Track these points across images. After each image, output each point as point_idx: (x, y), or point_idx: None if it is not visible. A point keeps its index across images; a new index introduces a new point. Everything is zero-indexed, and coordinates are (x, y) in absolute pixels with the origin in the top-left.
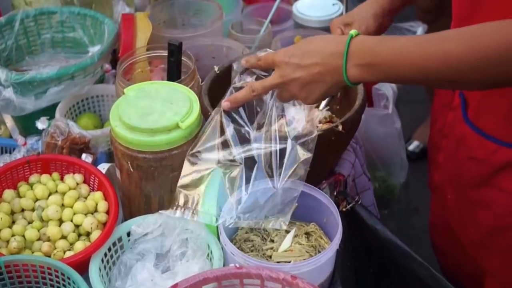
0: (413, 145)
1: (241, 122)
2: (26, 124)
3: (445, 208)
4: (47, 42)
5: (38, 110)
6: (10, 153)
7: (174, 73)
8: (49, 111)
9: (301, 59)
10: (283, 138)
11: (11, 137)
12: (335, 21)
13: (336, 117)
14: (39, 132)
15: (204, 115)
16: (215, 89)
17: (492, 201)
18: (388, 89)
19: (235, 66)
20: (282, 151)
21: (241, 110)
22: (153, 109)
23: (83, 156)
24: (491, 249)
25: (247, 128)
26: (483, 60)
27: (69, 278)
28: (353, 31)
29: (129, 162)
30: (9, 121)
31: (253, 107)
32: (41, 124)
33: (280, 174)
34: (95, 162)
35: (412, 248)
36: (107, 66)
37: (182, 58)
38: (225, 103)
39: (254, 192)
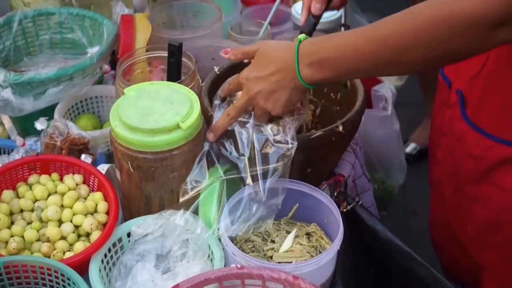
0: (410, 147)
1: (229, 153)
2: (25, 125)
3: (444, 205)
4: (45, 43)
5: (36, 111)
6: (9, 154)
7: (174, 74)
8: (47, 112)
9: (259, 71)
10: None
11: (9, 137)
12: None
13: (336, 118)
14: (37, 133)
15: (204, 116)
16: (215, 90)
17: (488, 197)
18: (387, 91)
19: (215, 101)
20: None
21: (228, 143)
22: (153, 109)
23: (83, 156)
24: (488, 245)
25: (235, 158)
26: (416, 36)
27: (69, 279)
28: (301, 36)
29: (129, 163)
30: (7, 122)
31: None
32: (39, 124)
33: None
34: (94, 163)
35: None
36: (106, 67)
37: (182, 58)
38: (209, 135)
39: (241, 200)
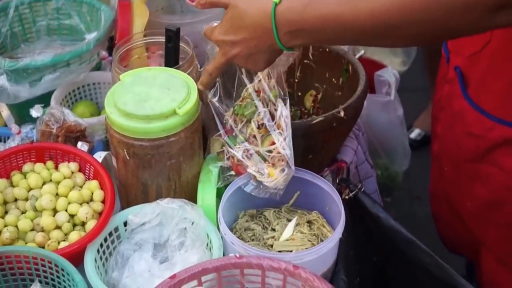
0: (415, 133)
1: None
2: (21, 113)
3: (443, 179)
4: (42, 30)
5: (33, 98)
6: (5, 142)
7: (171, 59)
8: (44, 99)
9: (234, 35)
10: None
11: (6, 125)
12: None
13: (338, 103)
14: (34, 121)
15: (202, 101)
16: None
17: (489, 176)
18: (390, 76)
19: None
20: None
21: None
22: (149, 95)
23: (79, 144)
24: (487, 223)
25: None
26: (409, 13)
27: (63, 270)
28: None
29: (125, 150)
30: (4, 110)
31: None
32: (35, 112)
33: None
34: (92, 151)
35: (414, 236)
36: (104, 53)
37: (180, 44)
38: (199, 86)
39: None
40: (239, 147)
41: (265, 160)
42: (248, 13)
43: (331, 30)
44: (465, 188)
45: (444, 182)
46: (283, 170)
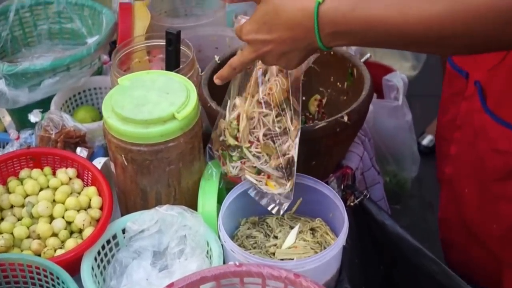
0: (427, 139)
1: None
2: (22, 118)
3: (460, 203)
4: (44, 34)
5: (33, 103)
6: (4, 147)
7: (172, 63)
8: (45, 104)
9: (268, 33)
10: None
11: (6, 131)
12: None
13: (343, 108)
14: (34, 126)
15: (204, 106)
16: None
17: None
18: (398, 80)
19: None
20: None
21: None
22: (148, 99)
23: (78, 150)
24: None
25: None
26: (465, 24)
27: (58, 278)
28: None
29: (123, 155)
30: (6, 116)
31: None
32: (33, 117)
33: None
34: (92, 156)
35: (426, 243)
36: (105, 57)
37: (181, 47)
38: (215, 80)
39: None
40: (236, 165)
41: (260, 172)
42: (285, 10)
43: (378, 33)
44: (490, 209)
45: (461, 205)
46: (283, 185)
